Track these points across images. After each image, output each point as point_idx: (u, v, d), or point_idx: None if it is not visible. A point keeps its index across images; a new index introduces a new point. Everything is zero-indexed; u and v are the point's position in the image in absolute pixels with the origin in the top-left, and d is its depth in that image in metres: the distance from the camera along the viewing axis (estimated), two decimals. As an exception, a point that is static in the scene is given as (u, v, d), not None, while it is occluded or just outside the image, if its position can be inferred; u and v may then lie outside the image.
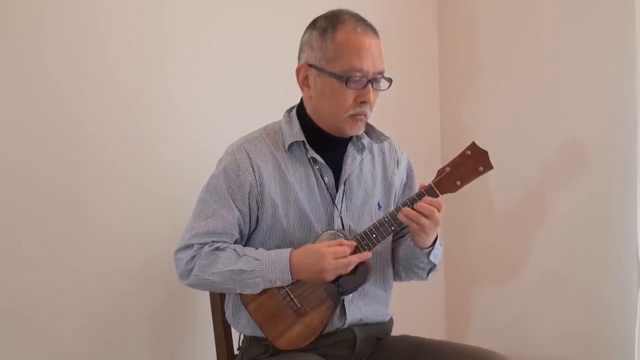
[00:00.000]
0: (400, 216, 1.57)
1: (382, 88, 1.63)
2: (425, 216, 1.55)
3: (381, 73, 1.60)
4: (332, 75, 1.57)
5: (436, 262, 1.70)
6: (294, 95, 1.71)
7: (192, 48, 2.05)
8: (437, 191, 1.58)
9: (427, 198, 1.57)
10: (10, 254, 1.76)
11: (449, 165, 1.58)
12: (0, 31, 1.74)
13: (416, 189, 1.64)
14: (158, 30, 2.00)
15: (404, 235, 1.76)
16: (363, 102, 1.59)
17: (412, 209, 1.56)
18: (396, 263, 1.77)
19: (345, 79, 1.56)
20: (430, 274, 1.74)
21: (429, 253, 1.66)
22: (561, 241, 2.34)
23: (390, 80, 1.62)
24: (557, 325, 2.36)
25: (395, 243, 1.77)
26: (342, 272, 1.56)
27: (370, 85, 1.58)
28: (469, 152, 1.58)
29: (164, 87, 2.00)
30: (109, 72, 1.90)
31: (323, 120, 1.65)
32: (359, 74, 1.57)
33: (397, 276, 1.79)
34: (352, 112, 1.60)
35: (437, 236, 1.65)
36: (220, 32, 2.12)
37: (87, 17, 1.87)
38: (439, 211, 1.56)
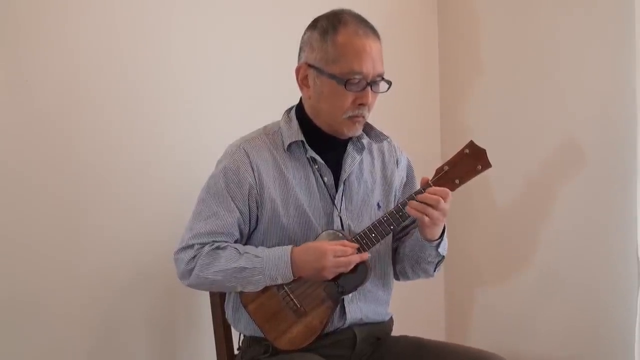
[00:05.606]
0: (408, 209, 1.56)
1: (381, 90, 1.62)
2: (432, 206, 1.54)
3: (381, 75, 1.60)
4: (332, 76, 1.57)
5: (444, 254, 1.69)
6: (294, 95, 1.71)
7: (192, 47, 2.05)
8: None
9: (432, 188, 1.56)
10: (9, 253, 1.76)
11: (447, 163, 1.58)
12: (0, 31, 1.74)
13: (417, 188, 1.63)
14: (159, 31, 2.00)
15: (406, 234, 1.75)
16: (361, 104, 1.59)
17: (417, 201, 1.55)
18: (402, 261, 1.75)
19: (344, 81, 1.56)
20: (437, 268, 1.72)
21: (438, 245, 1.65)
22: (561, 241, 2.34)
23: (389, 83, 1.62)
24: (557, 325, 2.36)
25: (397, 242, 1.77)
26: (342, 270, 1.56)
27: (369, 87, 1.58)
28: (467, 151, 1.57)
29: (163, 88, 2.00)
30: (109, 71, 1.90)
31: (321, 120, 1.65)
32: (358, 77, 1.56)
33: (403, 275, 1.78)
34: (350, 113, 1.60)
35: (444, 227, 1.64)
36: (221, 31, 2.11)
37: (87, 17, 1.87)
38: (445, 200, 1.55)
